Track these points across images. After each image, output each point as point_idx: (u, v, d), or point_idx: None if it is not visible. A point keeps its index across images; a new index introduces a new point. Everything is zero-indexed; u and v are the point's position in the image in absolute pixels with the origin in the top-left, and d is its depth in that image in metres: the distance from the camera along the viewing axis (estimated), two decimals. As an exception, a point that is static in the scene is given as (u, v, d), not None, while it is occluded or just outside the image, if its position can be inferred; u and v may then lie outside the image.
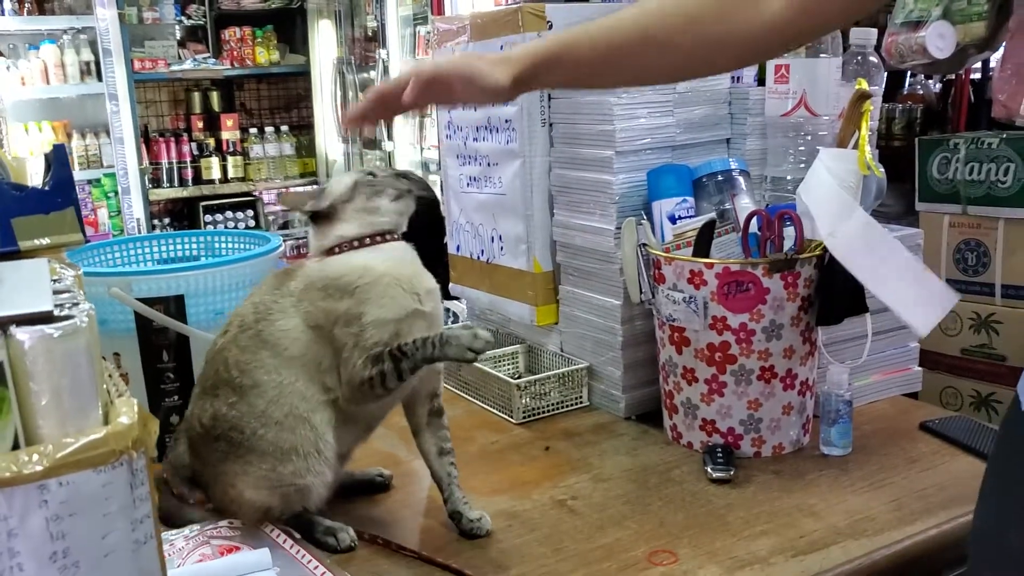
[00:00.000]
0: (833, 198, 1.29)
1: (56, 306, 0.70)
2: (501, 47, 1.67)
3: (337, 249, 1.18)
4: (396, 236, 1.21)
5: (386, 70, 5.16)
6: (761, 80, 1.60)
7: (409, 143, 5.09)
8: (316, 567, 1.07)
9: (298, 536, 1.15)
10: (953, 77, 3.21)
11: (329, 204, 1.19)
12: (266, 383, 1.12)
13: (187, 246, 1.70)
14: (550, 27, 1.62)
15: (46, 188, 0.95)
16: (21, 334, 0.65)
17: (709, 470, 1.32)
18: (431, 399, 1.25)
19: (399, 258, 1.19)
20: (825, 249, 1.34)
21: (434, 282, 1.21)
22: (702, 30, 1.02)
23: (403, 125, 5.12)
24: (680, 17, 1.03)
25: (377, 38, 5.29)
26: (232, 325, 1.18)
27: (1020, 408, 0.80)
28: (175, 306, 1.38)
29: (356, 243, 1.18)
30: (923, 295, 1.22)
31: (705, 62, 1.09)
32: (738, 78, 1.62)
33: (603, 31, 1.08)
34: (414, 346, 1.11)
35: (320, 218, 1.20)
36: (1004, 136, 2.59)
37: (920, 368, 1.64)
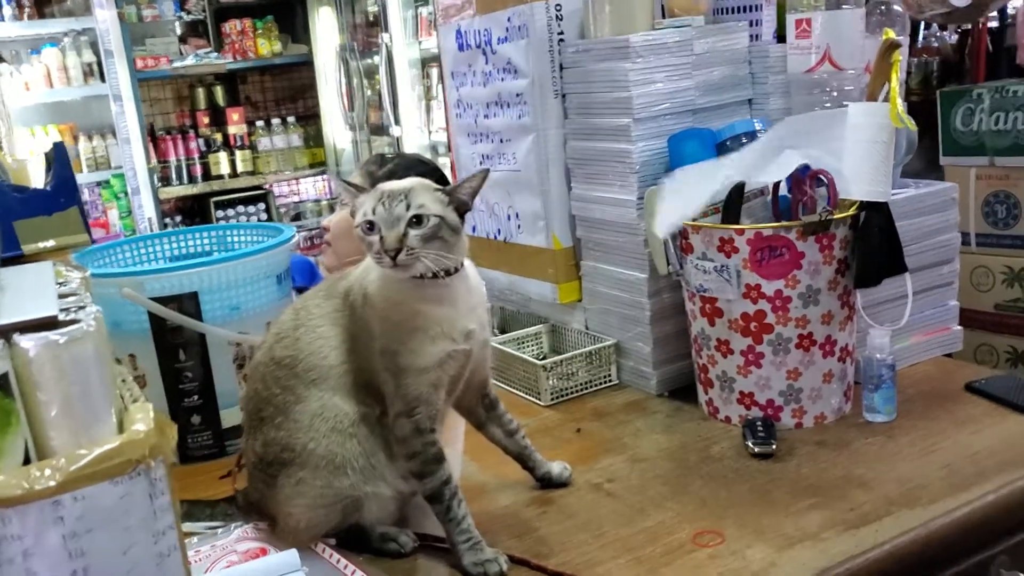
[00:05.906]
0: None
1: (61, 310, 0.66)
2: (508, 19, 1.62)
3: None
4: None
5: (390, 55, 5.10)
6: (781, 36, 1.54)
7: (416, 127, 5.04)
8: (347, 567, 1.03)
9: (333, 542, 1.11)
10: (969, 27, 3.13)
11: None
12: (308, 396, 1.07)
13: (199, 242, 1.67)
14: (558, -5, 1.57)
15: (47, 188, 0.91)
16: (25, 342, 0.61)
17: (750, 444, 1.27)
18: (483, 396, 1.21)
19: (437, 297, 1.07)
20: (860, 208, 1.28)
21: (476, 322, 1.10)
22: None
23: (410, 109, 5.07)
24: None
25: (379, 22, 5.23)
26: (269, 336, 1.14)
27: None
28: (190, 303, 1.35)
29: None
30: None
31: None
32: (757, 36, 1.56)
33: None
34: (457, 510, 1.06)
35: None
36: (1029, 83, 2.52)
37: (960, 327, 1.59)
